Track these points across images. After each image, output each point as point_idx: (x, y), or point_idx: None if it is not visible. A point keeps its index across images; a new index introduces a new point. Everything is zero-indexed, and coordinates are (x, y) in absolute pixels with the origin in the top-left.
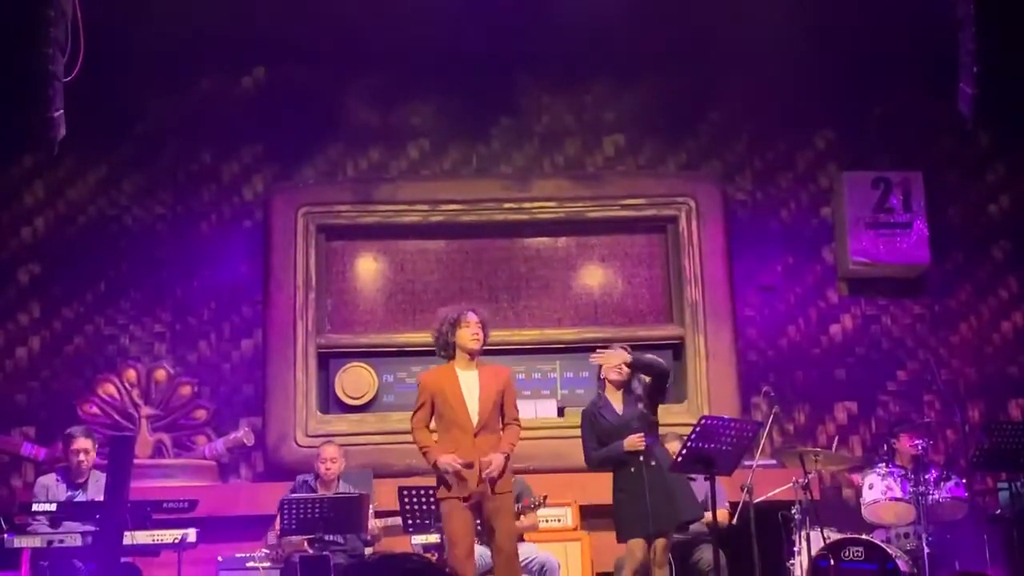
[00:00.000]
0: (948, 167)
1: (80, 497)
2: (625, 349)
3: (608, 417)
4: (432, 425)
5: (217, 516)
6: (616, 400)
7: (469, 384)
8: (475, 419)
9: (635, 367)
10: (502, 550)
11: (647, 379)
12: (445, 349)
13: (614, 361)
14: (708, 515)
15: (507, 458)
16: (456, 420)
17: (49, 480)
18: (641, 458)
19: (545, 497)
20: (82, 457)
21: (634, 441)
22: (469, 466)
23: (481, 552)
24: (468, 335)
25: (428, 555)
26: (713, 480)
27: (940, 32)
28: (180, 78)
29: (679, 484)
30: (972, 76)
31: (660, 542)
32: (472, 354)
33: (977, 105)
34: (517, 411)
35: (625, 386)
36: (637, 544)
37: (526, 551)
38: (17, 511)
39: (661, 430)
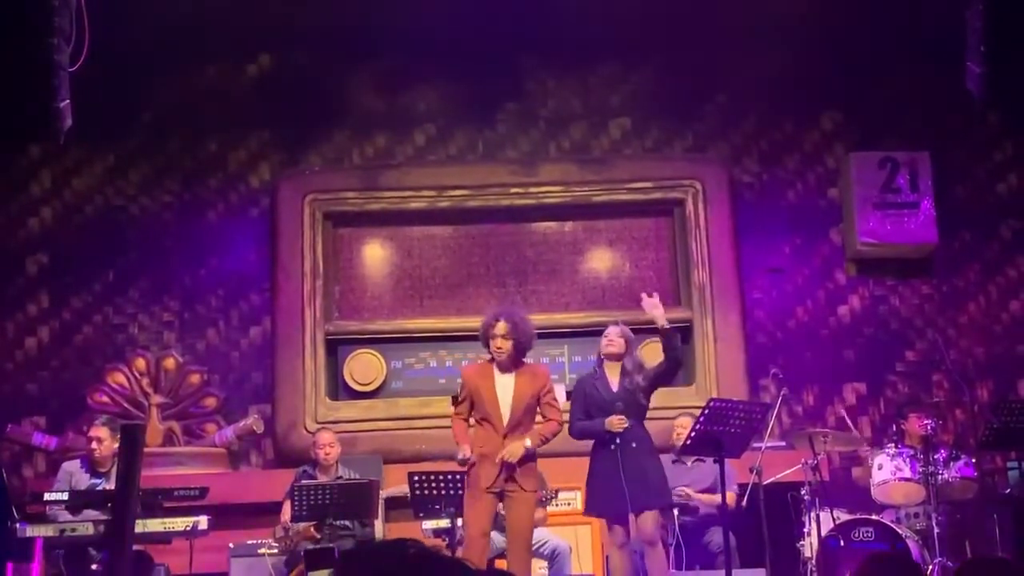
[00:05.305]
0: (955, 146)
1: (103, 486)
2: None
3: (600, 391)
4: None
5: (228, 503)
6: (613, 375)
7: (504, 385)
8: (505, 420)
9: (666, 334)
10: (517, 543)
11: (646, 360)
12: (487, 349)
13: (658, 312)
14: (717, 497)
15: (531, 448)
16: (489, 418)
17: (73, 467)
18: (619, 440)
19: (557, 491)
20: (94, 445)
21: (614, 422)
22: (470, 464)
23: (493, 537)
24: (494, 347)
25: (439, 539)
26: (722, 463)
27: (947, 10)
28: (185, 66)
29: (653, 469)
30: (979, 54)
31: (648, 517)
32: (503, 361)
33: (984, 84)
34: (559, 412)
35: (622, 363)
36: (616, 529)
37: (537, 536)
38: (29, 500)
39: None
